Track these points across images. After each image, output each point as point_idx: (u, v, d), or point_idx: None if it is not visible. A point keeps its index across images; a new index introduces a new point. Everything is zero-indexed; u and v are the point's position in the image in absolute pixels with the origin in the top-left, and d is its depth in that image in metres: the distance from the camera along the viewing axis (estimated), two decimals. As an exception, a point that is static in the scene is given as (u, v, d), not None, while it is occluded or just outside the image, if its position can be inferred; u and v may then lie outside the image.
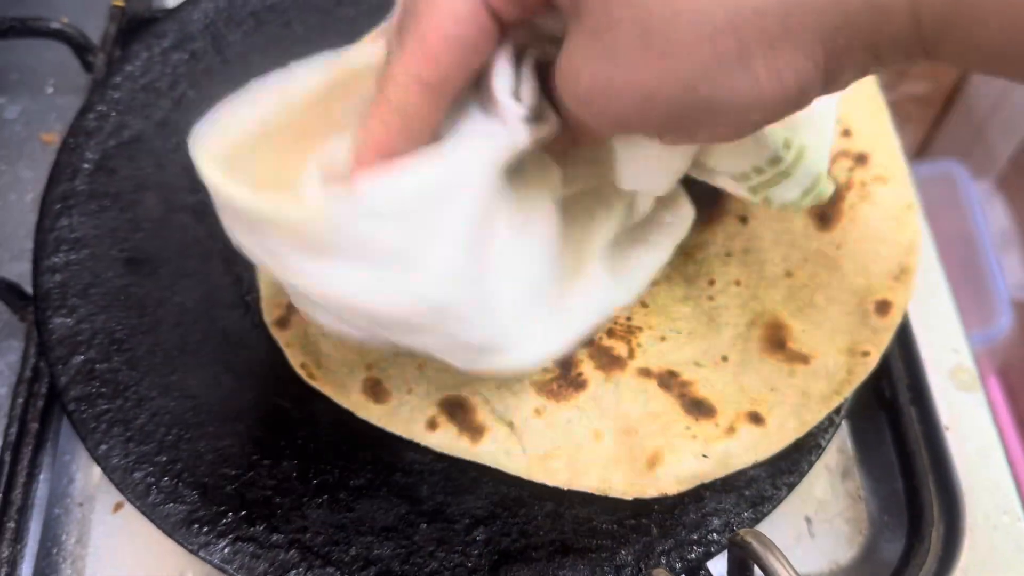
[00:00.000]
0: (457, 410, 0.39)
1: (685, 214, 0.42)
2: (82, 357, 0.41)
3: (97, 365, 0.41)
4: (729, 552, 0.33)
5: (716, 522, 0.38)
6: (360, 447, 0.40)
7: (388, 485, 0.39)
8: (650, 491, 0.38)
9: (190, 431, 0.40)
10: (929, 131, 1.17)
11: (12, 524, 0.42)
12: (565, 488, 0.38)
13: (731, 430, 0.38)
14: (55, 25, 0.55)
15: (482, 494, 0.39)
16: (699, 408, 0.39)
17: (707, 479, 0.38)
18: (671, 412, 0.39)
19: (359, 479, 0.39)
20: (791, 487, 0.39)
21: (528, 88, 0.31)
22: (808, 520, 0.45)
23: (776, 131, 0.35)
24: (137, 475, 0.38)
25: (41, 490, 0.44)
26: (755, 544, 0.31)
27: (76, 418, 0.40)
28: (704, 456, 0.38)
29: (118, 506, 0.46)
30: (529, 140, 0.31)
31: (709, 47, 0.25)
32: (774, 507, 0.38)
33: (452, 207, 0.30)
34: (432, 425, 0.39)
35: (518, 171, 0.33)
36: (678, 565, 0.37)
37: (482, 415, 0.39)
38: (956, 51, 0.25)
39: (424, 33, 0.28)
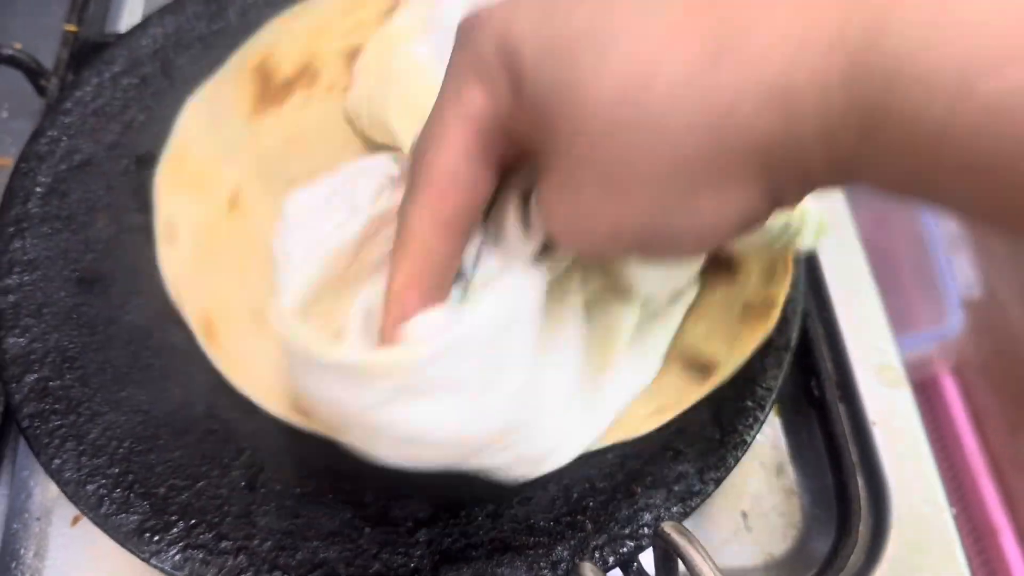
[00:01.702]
0: None
1: (693, 281, 0.44)
2: (35, 375, 0.42)
3: (50, 383, 0.42)
4: (654, 545, 0.35)
5: (647, 517, 0.39)
6: (306, 455, 0.41)
7: (334, 491, 0.40)
8: None
9: (141, 444, 0.41)
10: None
11: (-30, 540, 0.43)
12: None
13: None
14: (8, 51, 0.56)
15: (424, 497, 0.41)
16: None
17: None
18: None
19: (305, 486, 0.40)
20: (718, 482, 0.40)
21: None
22: (744, 514, 0.47)
23: None
24: (90, 488, 0.40)
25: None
26: (675, 536, 0.33)
27: (30, 434, 0.41)
28: None
29: (76, 519, 0.47)
30: (546, 271, 0.35)
31: (661, 186, 0.28)
32: (702, 501, 0.40)
33: (514, 335, 0.33)
34: None
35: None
36: (611, 559, 0.38)
37: None
38: (874, 182, 0.27)
39: (430, 182, 0.32)
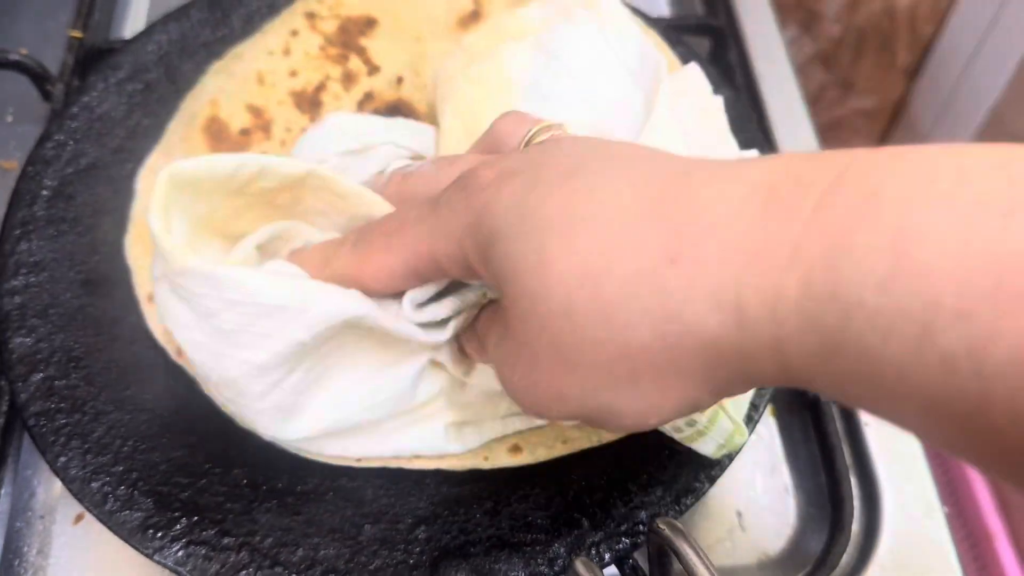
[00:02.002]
0: None
1: None
2: (41, 375, 0.43)
3: (56, 382, 0.43)
4: (648, 540, 0.35)
5: (643, 514, 0.40)
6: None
7: (334, 489, 0.41)
8: None
9: (145, 442, 0.42)
10: (876, 144, 1.20)
11: (-25, 538, 0.43)
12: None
13: None
14: (14, 57, 0.57)
15: (424, 495, 0.41)
16: None
17: None
18: None
19: (306, 484, 0.41)
20: (713, 480, 0.41)
21: (439, 310, 0.37)
22: (739, 514, 0.48)
23: None
24: (95, 485, 0.40)
25: (3, 504, 0.46)
26: (669, 532, 0.34)
27: (36, 432, 0.41)
28: None
29: (78, 518, 0.47)
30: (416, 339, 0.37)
31: (606, 369, 0.29)
32: (697, 499, 0.40)
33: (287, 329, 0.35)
34: None
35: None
36: (607, 556, 0.39)
37: None
38: (834, 398, 0.28)
39: (354, 271, 0.36)
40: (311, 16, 0.53)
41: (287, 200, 0.39)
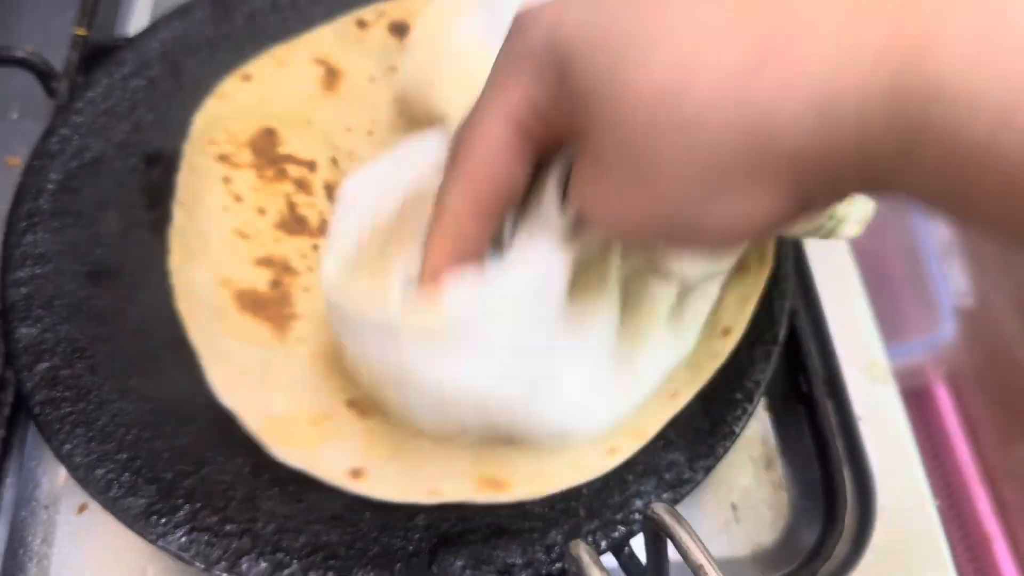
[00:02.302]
0: None
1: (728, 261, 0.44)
2: (47, 364, 0.43)
3: (61, 371, 0.43)
4: (644, 526, 0.36)
5: (638, 503, 0.40)
6: (309, 443, 0.42)
7: (335, 478, 0.42)
8: None
9: (148, 431, 0.42)
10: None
11: (-20, 524, 0.44)
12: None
13: None
14: (20, 54, 0.57)
15: (423, 484, 0.42)
16: None
17: None
18: None
19: (308, 473, 0.42)
20: (707, 470, 0.42)
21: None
22: (734, 507, 0.48)
23: None
24: (99, 472, 0.41)
25: (8, 494, 0.46)
26: (665, 516, 0.34)
27: (41, 420, 0.42)
28: None
29: (82, 508, 0.48)
30: (576, 249, 0.36)
31: (690, 182, 0.29)
32: (692, 489, 0.41)
33: (541, 302, 0.36)
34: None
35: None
36: (603, 543, 0.40)
37: None
38: (911, 196, 0.28)
39: (468, 169, 0.34)
40: (223, 158, 0.50)
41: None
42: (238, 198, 0.48)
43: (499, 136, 0.33)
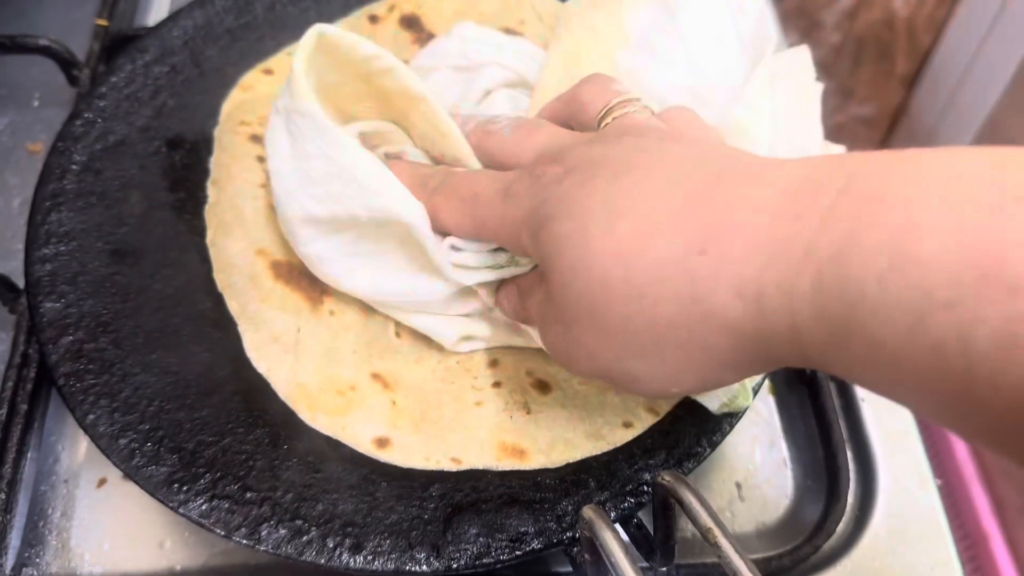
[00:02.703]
0: None
1: None
2: (71, 337, 0.45)
3: (85, 345, 0.45)
4: (653, 493, 0.37)
5: (646, 476, 0.42)
6: (326, 415, 0.44)
7: (352, 449, 0.43)
8: None
9: (170, 403, 0.44)
10: (875, 150, 1.23)
11: (2, 495, 0.45)
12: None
13: None
14: (43, 42, 0.59)
15: (438, 456, 0.43)
16: None
17: None
18: None
19: (325, 445, 0.43)
20: (714, 445, 0.43)
21: (468, 258, 0.43)
22: (738, 485, 0.49)
23: None
24: (122, 442, 0.42)
25: (28, 468, 0.47)
26: (672, 481, 0.35)
27: (66, 391, 0.43)
28: None
29: (101, 482, 0.49)
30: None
31: (635, 337, 0.33)
32: (699, 463, 0.42)
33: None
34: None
35: None
36: (613, 514, 0.41)
37: None
38: (842, 376, 0.31)
39: (441, 216, 0.42)
40: (255, 138, 0.52)
41: (401, 107, 0.45)
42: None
43: (460, 225, 0.42)
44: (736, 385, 0.42)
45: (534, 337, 0.43)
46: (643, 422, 0.43)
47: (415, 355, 0.46)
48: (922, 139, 1.22)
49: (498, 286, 0.44)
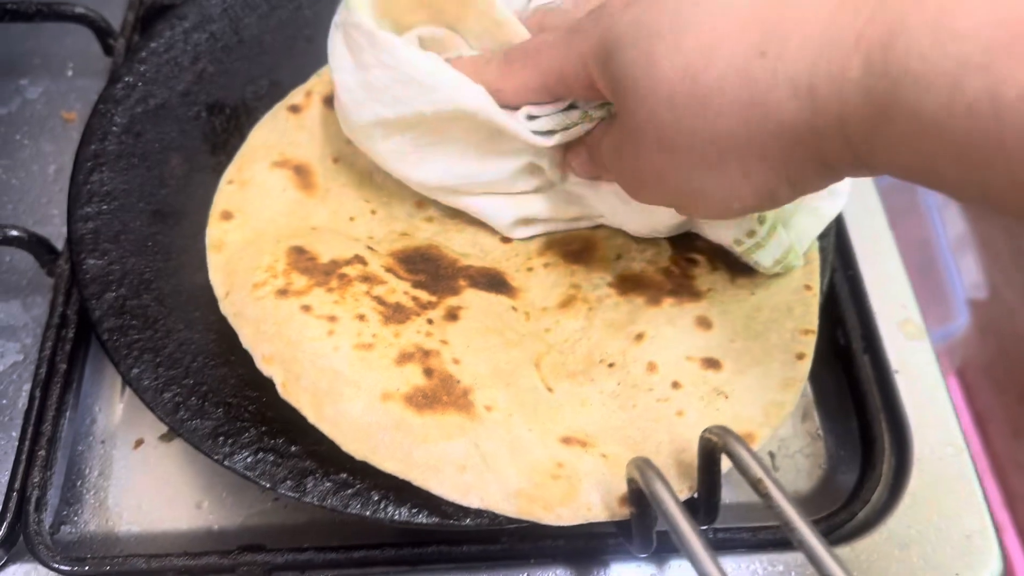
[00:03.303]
0: None
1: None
2: (114, 294, 0.45)
3: (128, 301, 0.45)
4: (700, 448, 0.37)
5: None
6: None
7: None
8: None
9: (214, 359, 0.44)
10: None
11: (43, 452, 0.45)
12: None
13: None
14: (80, 10, 0.59)
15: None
16: None
17: None
18: None
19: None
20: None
21: (545, 123, 0.45)
22: (772, 455, 0.50)
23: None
24: (167, 395, 0.42)
25: (66, 428, 0.48)
26: (721, 434, 0.36)
27: (110, 346, 0.43)
28: None
29: (138, 443, 0.49)
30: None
31: (699, 152, 0.36)
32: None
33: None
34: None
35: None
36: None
37: None
38: (886, 169, 0.33)
39: (507, 86, 0.44)
40: (282, 292, 0.44)
41: (454, 13, 0.47)
42: (332, 319, 0.43)
43: (527, 83, 0.44)
44: (788, 242, 0.45)
45: (594, 205, 0.48)
46: (809, 348, 0.44)
47: (577, 399, 0.44)
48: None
49: (564, 152, 0.47)
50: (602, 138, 0.43)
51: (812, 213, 0.48)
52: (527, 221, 0.49)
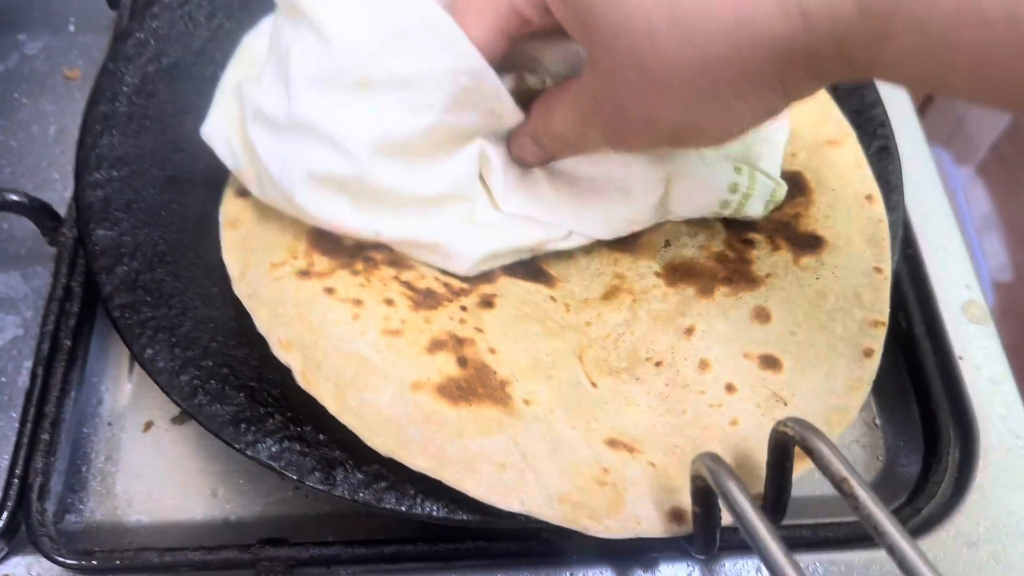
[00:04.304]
0: None
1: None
2: (125, 267, 0.41)
3: (141, 275, 0.41)
4: (771, 441, 0.34)
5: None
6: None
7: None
8: None
9: (234, 339, 0.40)
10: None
11: (46, 436, 0.42)
12: None
13: None
14: (84, -37, 0.56)
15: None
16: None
17: None
18: None
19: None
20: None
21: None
22: (827, 446, 0.47)
23: (724, 165, 0.44)
24: (183, 378, 0.39)
25: (70, 410, 0.45)
26: (800, 429, 0.33)
27: (121, 324, 0.40)
28: None
29: (147, 425, 0.46)
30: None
31: (691, 86, 0.33)
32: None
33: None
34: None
35: None
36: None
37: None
38: (890, 80, 0.31)
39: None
40: (303, 273, 0.41)
41: None
42: (358, 302, 0.40)
43: (481, 30, 0.38)
44: (769, 182, 0.44)
45: (555, 221, 0.43)
46: (879, 343, 0.41)
47: (622, 396, 0.40)
48: (961, 108, 1.19)
49: (509, 140, 0.42)
50: (558, 99, 0.39)
51: (764, 143, 0.45)
52: (489, 258, 0.43)
